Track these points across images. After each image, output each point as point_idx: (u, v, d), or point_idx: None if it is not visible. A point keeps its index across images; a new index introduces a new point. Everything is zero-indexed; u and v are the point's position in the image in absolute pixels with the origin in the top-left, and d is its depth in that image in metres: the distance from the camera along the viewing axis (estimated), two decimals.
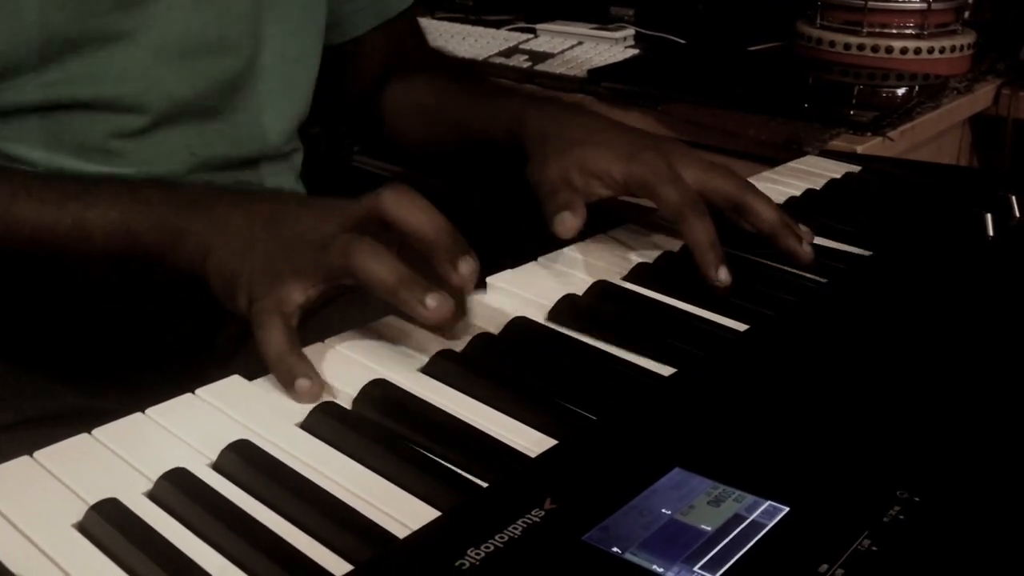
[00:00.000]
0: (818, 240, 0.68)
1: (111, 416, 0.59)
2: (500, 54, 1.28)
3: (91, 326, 0.68)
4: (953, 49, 1.20)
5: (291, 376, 0.47)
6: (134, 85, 0.64)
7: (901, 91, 1.13)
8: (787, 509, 0.36)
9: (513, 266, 0.63)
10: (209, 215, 0.55)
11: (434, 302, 0.47)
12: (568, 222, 0.60)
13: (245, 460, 0.41)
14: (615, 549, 0.34)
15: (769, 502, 0.37)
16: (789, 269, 0.63)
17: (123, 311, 0.68)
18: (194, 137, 0.68)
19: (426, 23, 1.43)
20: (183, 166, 0.68)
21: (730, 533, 0.35)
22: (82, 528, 0.38)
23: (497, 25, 1.44)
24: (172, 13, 0.64)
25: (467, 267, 0.49)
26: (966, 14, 1.25)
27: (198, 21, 0.65)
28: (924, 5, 1.18)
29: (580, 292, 0.59)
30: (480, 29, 1.40)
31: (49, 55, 0.60)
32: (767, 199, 0.64)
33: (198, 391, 0.47)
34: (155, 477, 0.40)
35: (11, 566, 0.35)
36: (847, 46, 1.20)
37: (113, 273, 0.59)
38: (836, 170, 0.85)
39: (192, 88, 0.66)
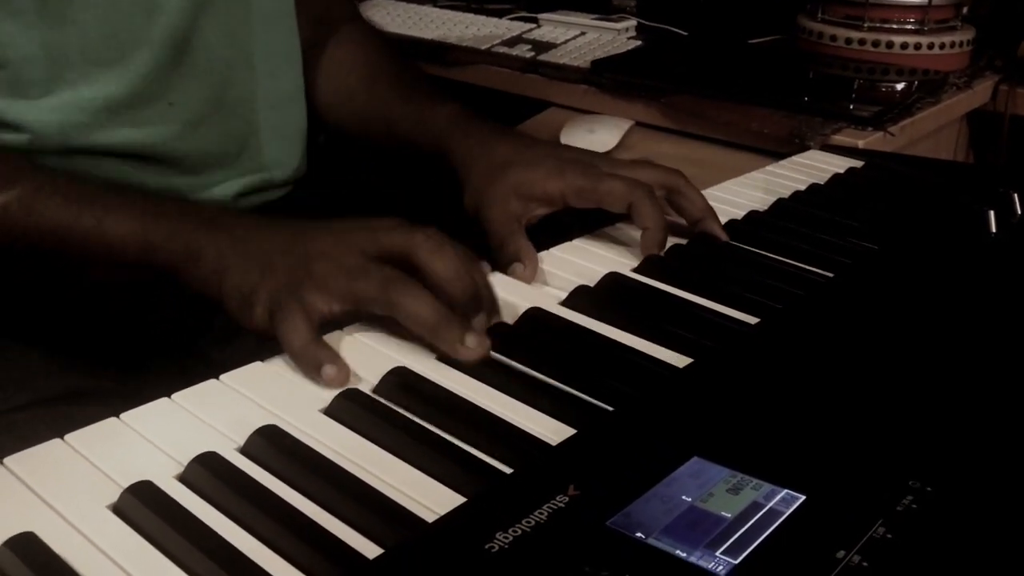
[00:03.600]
0: (824, 234, 0.69)
1: (118, 395, 0.60)
2: (503, 43, 1.29)
3: (95, 309, 0.69)
4: (953, 45, 1.21)
5: (317, 364, 0.48)
6: (113, 40, 0.65)
7: (900, 86, 1.14)
8: (803, 497, 0.38)
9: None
10: (228, 235, 0.56)
11: (473, 342, 0.49)
12: (520, 273, 0.61)
13: (273, 445, 0.42)
14: (639, 534, 0.36)
15: (786, 490, 0.38)
16: (796, 263, 0.64)
17: (126, 294, 0.69)
18: (181, 89, 0.69)
19: (428, 11, 1.44)
20: (174, 122, 0.69)
21: (749, 520, 0.36)
22: (117, 510, 0.38)
23: (499, 14, 1.44)
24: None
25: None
26: (965, 10, 1.26)
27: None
28: (925, 1, 1.19)
29: (592, 283, 0.60)
30: (483, 18, 1.40)
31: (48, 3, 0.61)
32: (699, 191, 0.68)
33: (222, 377, 0.48)
34: (184, 461, 0.41)
35: (52, 546, 0.36)
36: (848, 40, 1.21)
37: (128, 277, 0.60)
38: (840, 164, 0.87)
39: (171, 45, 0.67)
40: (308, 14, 0.82)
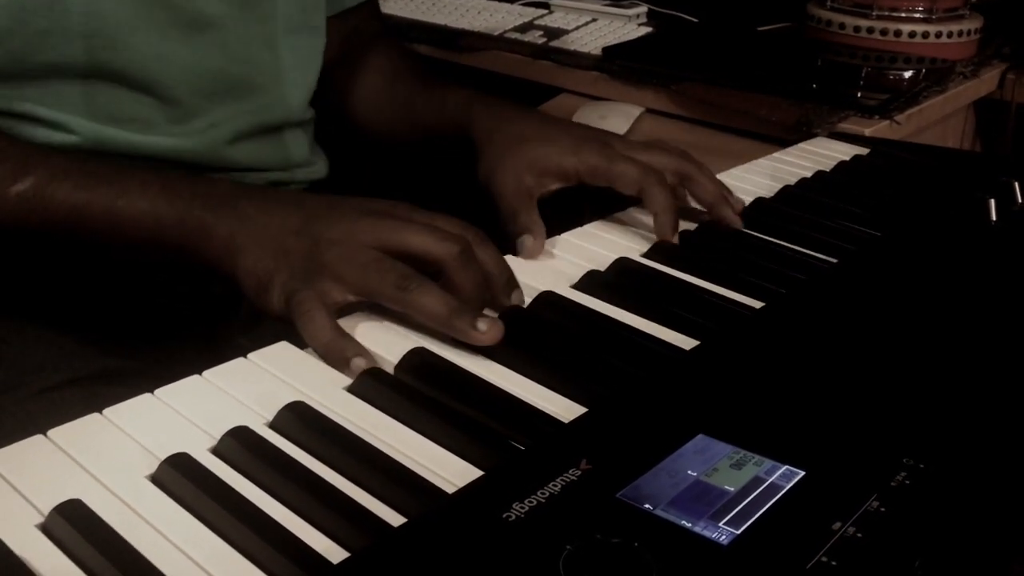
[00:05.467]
0: (828, 221, 0.71)
1: (149, 375, 0.62)
2: (515, 29, 1.30)
3: (126, 294, 0.71)
4: (960, 34, 1.22)
5: (344, 357, 0.49)
6: (154, 62, 0.66)
7: (908, 74, 1.15)
8: (803, 473, 0.40)
9: None
10: (238, 213, 0.57)
11: (485, 325, 0.51)
12: (529, 246, 0.63)
13: (301, 420, 0.45)
14: (647, 506, 0.38)
15: (786, 466, 0.40)
16: (801, 249, 0.66)
17: (155, 280, 0.71)
18: (226, 111, 0.71)
19: None
20: (216, 137, 0.71)
21: (751, 493, 0.39)
22: (156, 480, 0.41)
23: None
24: None
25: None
26: None
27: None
28: None
29: (603, 268, 0.62)
30: (495, 3, 1.41)
31: (93, 24, 0.63)
32: (709, 171, 0.69)
33: (250, 355, 0.50)
34: (217, 434, 0.44)
35: (98, 512, 0.38)
36: (856, 28, 1.22)
37: (142, 258, 0.62)
38: (845, 152, 0.88)
39: (212, 62, 0.69)
40: (340, 32, 0.86)
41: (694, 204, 0.71)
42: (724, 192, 0.70)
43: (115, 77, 0.65)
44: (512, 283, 0.57)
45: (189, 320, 0.74)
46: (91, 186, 0.59)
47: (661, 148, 0.70)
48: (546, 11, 1.37)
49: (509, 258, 0.62)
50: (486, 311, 0.54)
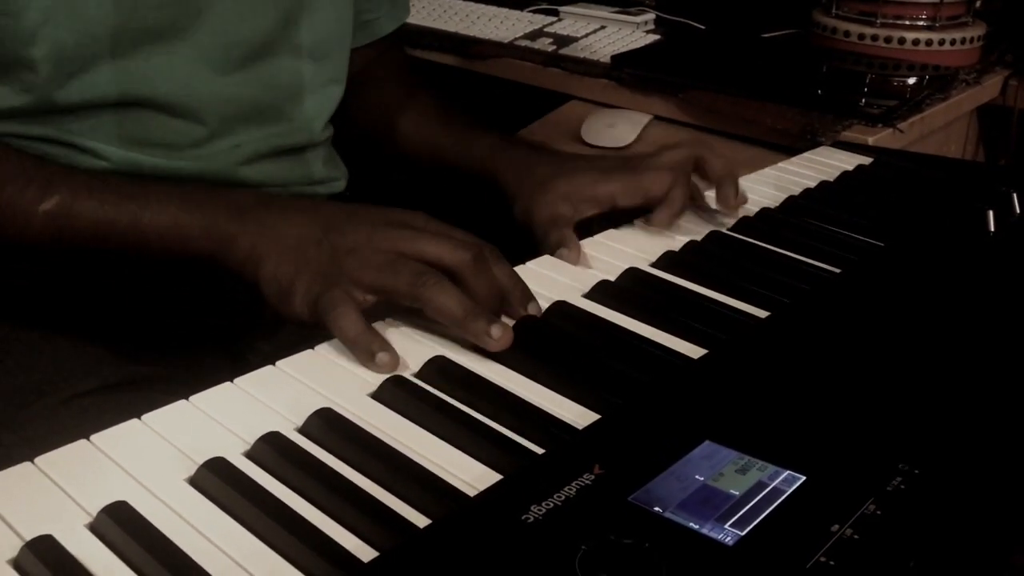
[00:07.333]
0: (832, 232, 0.73)
1: (175, 381, 0.65)
2: (525, 36, 1.33)
3: (153, 303, 0.74)
4: (963, 41, 1.24)
5: (370, 351, 0.52)
6: (186, 87, 0.69)
7: (911, 81, 1.18)
8: (804, 478, 0.42)
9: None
10: (259, 222, 0.60)
11: (498, 332, 0.54)
12: (566, 257, 0.67)
13: (328, 425, 0.47)
14: (657, 508, 0.40)
15: (788, 471, 0.43)
16: (806, 259, 0.69)
17: (181, 290, 0.74)
18: (249, 134, 0.74)
19: (450, 3, 1.48)
20: (239, 158, 0.74)
21: (755, 497, 0.41)
22: (194, 483, 0.43)
23: (520, 6, 1.48)
24: (215, 17, 0.68)
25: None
26: (977, 3, 1.29)
27: (240, 23, 0.70)
28: None
29: (613, 278, 0.65)
30: (505, 10, 1.44)
31: (121, 50, 0.65)
32: (722, 154, 0.75)
33: (278, 363, 0.53)
34: (250, 439, 0.46)
35: (143, 514, 0.41)
36: (861, 36, 1.25)
37: (167, 267, 0.64)
38: (848, 161, 0.91)
39: (241, 90, 0.72)
40: (365, 57, 0.88)
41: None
42: (733, 171, 0.74)
43: (146, 104, 0.67)
44: (527, 295, 0.59)
45: (213, 328, 0.77)
46: (115, 202, 0.62)
47: (673, 146, 0.75)
48: (555, 18, 1.39)
49: (520, 269, 0.64)
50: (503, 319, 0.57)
